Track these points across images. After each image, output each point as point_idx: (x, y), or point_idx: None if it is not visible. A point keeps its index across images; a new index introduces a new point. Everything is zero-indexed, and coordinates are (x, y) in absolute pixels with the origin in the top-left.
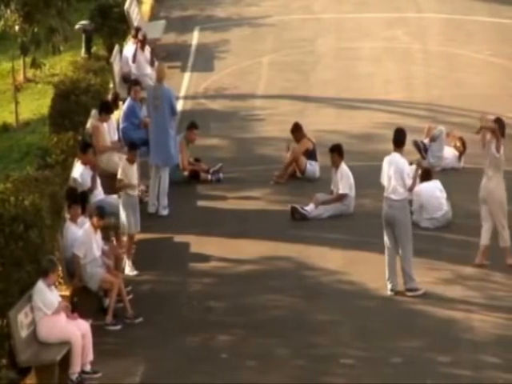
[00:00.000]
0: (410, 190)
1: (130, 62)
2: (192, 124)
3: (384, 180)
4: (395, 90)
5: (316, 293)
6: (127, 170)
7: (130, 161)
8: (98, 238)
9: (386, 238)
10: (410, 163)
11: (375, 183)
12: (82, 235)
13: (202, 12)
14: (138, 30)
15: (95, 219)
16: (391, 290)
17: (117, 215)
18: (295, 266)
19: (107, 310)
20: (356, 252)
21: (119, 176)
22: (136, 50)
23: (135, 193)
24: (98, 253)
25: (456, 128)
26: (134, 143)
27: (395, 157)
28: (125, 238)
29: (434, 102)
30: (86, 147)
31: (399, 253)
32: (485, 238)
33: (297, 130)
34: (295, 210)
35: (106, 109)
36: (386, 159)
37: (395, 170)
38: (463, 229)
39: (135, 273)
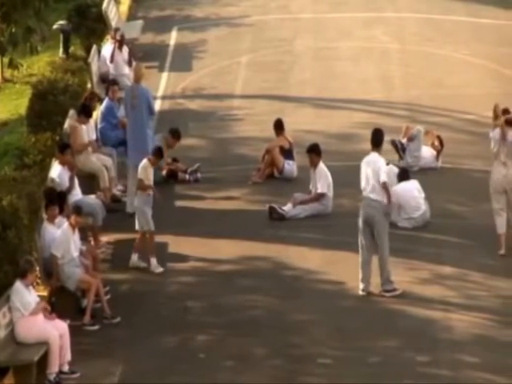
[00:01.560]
0: (386, 189)
1: (108, 61)
2: (176, 132)
3: (362, 180)
4: (373, 90)
5: (294, 293)
6: (149, 172)
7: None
8: (75, 238)
9: (361, 238)
10: (387, 163)
11: (353, 183)
12: (60, 235)
13: (180, 12)
14: (116, 30)
15: (73, 218)
16: (363, 291)
17: (94, 215)
18: (273, 265)
19: (85, 311)
20: (334, 252)
21: (140, 176)
22: (114, 50)
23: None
24: (75, 253)
25: (434, 127)
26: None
27: (373, 157)
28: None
29: (412, 102)
30: (65, 147)
31: (376, 253)
32: (504, 227)
33: (279, 125)
34: (273, 210)
35: (86, 112)
36: (365, 160)
37: (373, 169)
38: (441, 228)
39: (161, 270)
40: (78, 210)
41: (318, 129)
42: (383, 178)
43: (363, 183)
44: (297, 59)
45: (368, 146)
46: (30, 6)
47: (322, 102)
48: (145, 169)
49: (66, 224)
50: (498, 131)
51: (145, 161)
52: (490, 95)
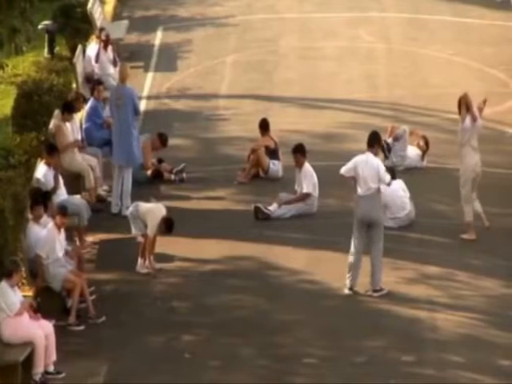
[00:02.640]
0: (389, 184)
1: (93, 61)
2: (163, 137)
3: (348, 173)
4: (358, 90)
5: (279, 292)
6: None
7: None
8: (61, 238)
9: (356, 238)
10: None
11: (338, 183)
12: (45, 235)
13: (165, 12)
14: (101, 30)
15: (58, 218)
16: (350, 289)
17: (79, 215)
18: (258, 265)
19: (70, 311)
20: (319, 252)
21: None
22: (99, 50)
23: None
24: (61, 253)
25: (419, 127)
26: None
27: (368, 157)
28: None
29: (396, 102)
30: (53, 149)
31: (367, 253)
32: (472, 214)
33: (264, 125)
34: (258, 210)
35: (68, 108)
36: (361, 158)
37: (370, 171)
38: (426, 228)
39: (146, 271)
40: (63, 210)
41: (303, 128)
42: (387, 178)
43: (360, 184)
44: (282, 59)
45: (354, 145)
46: (16, 7)
47: (307, 102)
48: None
49: (51, 224)
50: (468, 119)
51: None
52: (474, 95)
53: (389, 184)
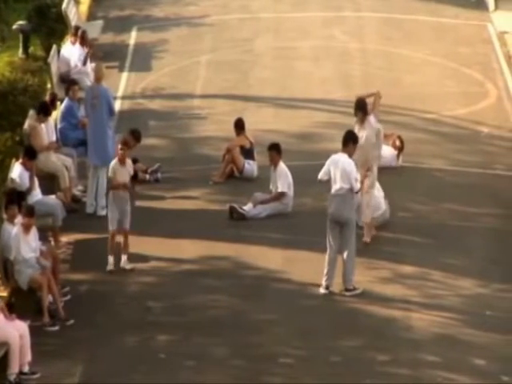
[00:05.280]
0: (357, 193)
1: (80, 65)
2: (136, 132)
3: (324, 176)
4: (334, 89)
5: (255, 292)
6: (117, 170)
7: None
8: (30, 238)
9: (330, 237)
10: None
11: (314, 182)
12: (12, 237)
13: (140, 12)
14: (77, 28)
15: (25, 219)
16: (326, 288)
17: (54, 216)
18: (234, 265)
19: (42, 311)
20: (295, 251)
21: (110, 175)
22: (87, 55)
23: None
24: (29, 254)
25: (394, 127)
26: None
27: (341, 157)
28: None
29: (372, 101)
30: (34, 155)
31: (341, 251)
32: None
33: (240, 125)
34: (233, 210)
35: (44, 110)
36: (333, 159)
37: (342, 172)
38: (401, 227)
39: (111, 268)
40: (29, 211)
41: (278, 128)
42: (357, 187)
43: (332, 182)
44: (257, 59)
45: (329, 145)
46: None
47: (282, 102)
48: (113, 169)
49: (17, 225)
50: (373, 117)
51: (114, 161)
52: (449, 94)
53: (357, 192)
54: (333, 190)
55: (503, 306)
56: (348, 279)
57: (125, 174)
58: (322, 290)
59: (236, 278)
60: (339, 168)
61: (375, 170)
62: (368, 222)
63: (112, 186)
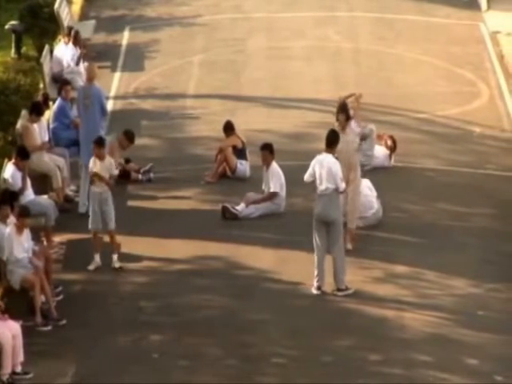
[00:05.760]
0: (342, 193)
1: (73, 64)
2: (130, 134)
3: (309, 178)
4: (326, 89)
5: (247, 292)
6: (96, 164)
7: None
8: (23, 238)
9: (317, 237)
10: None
11: (306, 182)
12: (6, 237)
13: (133, 12)
14: (70, 28)
15: (19, 219)
16: (318, 289)
17: (47, 216)
18: (226, 265)
19: (34, 311)
20: (287, 251)
21: (90, 166)
22: (80, 56)
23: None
24: (21, 254)
25: (387, 126)
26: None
27: (326, 157)
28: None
29: (363, 101)
30: (27, 155)
31: (331, 252)
32: None
33: (228, 128)
34: (226, 210)
35: (37, 110)
36: (318, 159)
37: (328, 172)
38: (394, 227)
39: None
40: (22, 211)
41: (270, 128)
42: (342, 187)
43: (318, 183)
44: (249, 59)
45: (321, 145)
46: None
47: (274, 102)
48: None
49: (11, 225)
50: (353, 121)
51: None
52: (441, 94)
53: (341, 192)
54: (319, 191)
55: (495, 306)
56: (339, 279)
57: (103, 170)
58: (314, 291)
59: (228, 278)
60: (325, 168)
61: (359, 175)
62: (353, 228)
63: (89, 176)
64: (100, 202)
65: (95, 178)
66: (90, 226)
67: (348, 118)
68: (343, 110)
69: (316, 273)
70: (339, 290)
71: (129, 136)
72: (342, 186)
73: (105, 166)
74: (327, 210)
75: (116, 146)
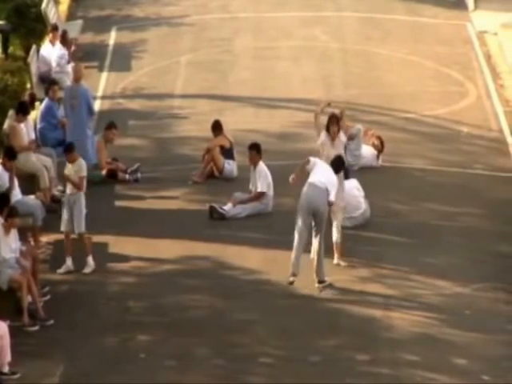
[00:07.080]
0: (330, 205)
1: (64, 62)
2: (111, 124)
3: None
4: (313, 89)
5: (235, 292)
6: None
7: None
8: (9, 239)
9: (301, 225)
10: None
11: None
12: None
13: (120, 12)
14: (54, 27)
15: (8, 220)
16: (293, 275)
17: (34, 216)
18: (214, 265)
19: (22, 311)
20: (274, 251)
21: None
22: (70, 56)
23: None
24: (8, 254)
25: (374, 127)
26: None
27: (332, 171)
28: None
29: (351, 101)
30: (14, 155)
31: (313, 245)
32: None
33: (217, 127)
34: (213, 210)
35: (23, 110)
36: (324, 164)
37: (328, 177)
38: (381, 227)
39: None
40: (11, 211)
41: (258, 128)
42: (332, 199)
43: (314, 174)
44: (237, 59)
45: (308, 145)
46: None
47: (262, 102)
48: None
49: None
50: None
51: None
52: (429, 94)
53: (330, 204)
54: (311, 179)
55: (483, 306)
56: (320, 271)
57: (72, 172)
58: (290, 279)
59: (216, 278)
60: (326, 173)
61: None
62: (339, 242)
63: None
64: (69, 204)
65: (65, 180)
66: (61, 228)
67: (339, 130)
68: (337, 123)
69: (294, 262)
70: (320, 282)
71: (110, 125)
72: (333, 199)
73: (74, 168)
74: (316, 199)
75: (102, 145)
